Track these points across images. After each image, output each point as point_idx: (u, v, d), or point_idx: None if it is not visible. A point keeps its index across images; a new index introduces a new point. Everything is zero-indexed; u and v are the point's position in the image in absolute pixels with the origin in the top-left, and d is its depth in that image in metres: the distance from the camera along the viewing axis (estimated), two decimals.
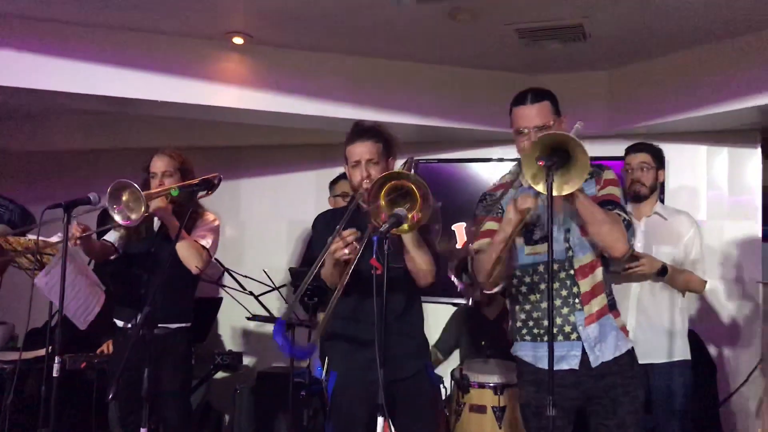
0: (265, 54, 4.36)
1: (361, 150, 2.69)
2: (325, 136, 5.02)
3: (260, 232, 5.49)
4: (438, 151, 5.14)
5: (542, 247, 2.52)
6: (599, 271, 2.55)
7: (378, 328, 2.19)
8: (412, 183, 2.26)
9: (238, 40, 4.21)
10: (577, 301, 2.52)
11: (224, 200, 5.26)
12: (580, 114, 3.04)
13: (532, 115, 2.49)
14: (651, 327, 3.49)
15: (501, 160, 4.87)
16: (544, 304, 2.50)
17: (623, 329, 2.59)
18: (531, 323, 2.61)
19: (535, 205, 2.35)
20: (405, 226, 2.27)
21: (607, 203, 2.51)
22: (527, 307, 2.61)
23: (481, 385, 3.51)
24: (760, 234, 4.52)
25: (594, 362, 2.49)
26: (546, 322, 2.44)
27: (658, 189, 3.68)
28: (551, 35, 3.96)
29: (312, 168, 5.37)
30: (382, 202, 2.31)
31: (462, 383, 3.55)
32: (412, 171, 2.65)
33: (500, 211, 2.60)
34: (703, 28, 3.85)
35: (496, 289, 2.64)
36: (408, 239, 2.51)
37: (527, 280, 2.59)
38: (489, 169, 4.90)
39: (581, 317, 2.51)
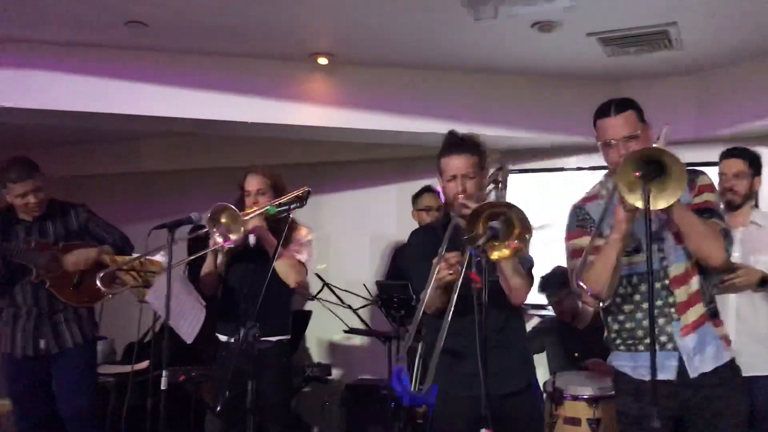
0: (347, 72, 4.47)
1: (458, 164, 2.66)
2: (406, 150, 5.10)
3: (343, 246, 5.59)
4: (520, 161, 5.13)
5: (636, 258, 2.48)
6: (695, 280, 2.49)
7: (480, 340, 2.21)
8: (513, 214, 2.27)
9: (322, 61, 4.32)
10: (672, 311, 2.47)
11: (308, 216, 5.41)
12: (668, 119, 3.01)
13: (618, 125, 2.45)
14: (752, 338, 3.37)
15: (579, 169, 4.83)
16: (639, 315, 2.49)
17: (725, 339, 2.52)
18: (625, 334, 2.58)
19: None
20: (506, 251, 2.28)
21: (703, 211, 2.46)
22: (621, 317, 2.58)
23: (575, 398, 3.47)
24: None
25: (693, 373, 2.44)
26: (641, 333, 2.47)
27: (754, 197, 3.56)
28: (635, 42, 3.91)
29: (393, 182, 5.44)
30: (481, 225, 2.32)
31: (555, 395, 3.52)
32: (506, 178, 2.69)
33: (592, 225, 2.56)
34: None
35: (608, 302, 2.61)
36: (504, 262, 2.50)
37: (621, 291, 2.55)
38: (566, 178, 4.86)
39: (677, 327, 2.46)
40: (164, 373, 2.80)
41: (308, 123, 4.43)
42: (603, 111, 2.49)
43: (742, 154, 3.52)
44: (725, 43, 3.99)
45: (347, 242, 5.60)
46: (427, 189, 4.52)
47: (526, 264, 2.63)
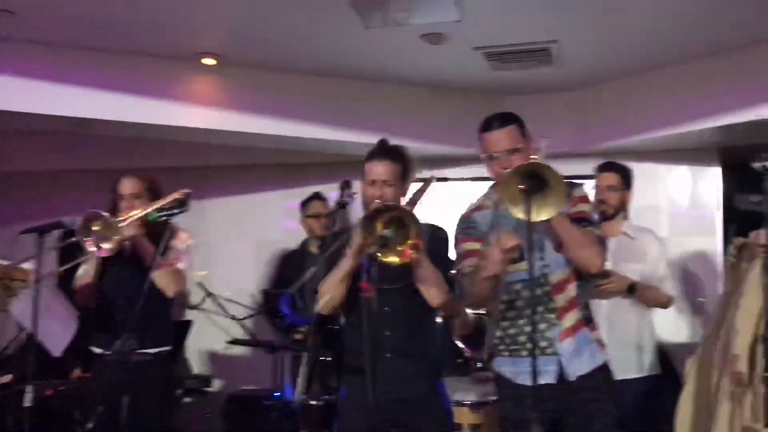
0: (234, 74, 4.35)
1: (380, 170, 2.71)
2: (294, 156, 5.02)
3: (227, 253, 5.42)
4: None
5: (519, 266, 2.56)
6: (572, 287, 2.60)
7: (367, 352, 2.21)
8: (410, 222, 2.32)
9: (208, 61, 4.19)
10: (552, 316, 2.57)
11: (190, 221, 5.22)
12: (549, 134, 3.14)
13: (501, 139, 2.54)
14: (621, 343, 3.55)
15: (476, 179, 4.92)
16: (521, 321, 2.57)
17: (599, 342, 2.63)
18: (508, 340, 2.65)
19: (518, 243, 2.39)
20: (397, 258, 2.30)
21: (579, 221, 2.57)
22: (504, 323, 2.65)
23: (458, 403, 3.52)
24: (719, 249, 4.66)
25: (571, 375, 2.53)
26: (523, 338, 2.55)
27: (625, 209, 3.76)
28: (518, 58, 4.04)
29: (280, 188, 5.33)
30: (378, 227, 2.34)
31: None
32: (423, 192, 2.75)
33: (478, 233, 2.64)
34: (665, 52, 3.99)
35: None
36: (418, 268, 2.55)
37: (504, 297, 2.63)
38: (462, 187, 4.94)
39: (557, 332, 2.56)
40: (28, 388, 2.60)
41: (192, 125, 4.27)
42: (487, 125, 2.57)
43: (615, 168, 3.72)
44: (602, 62, 4.20)
45: (231, 249, 5.44)
46: (317, 196, 4.47)
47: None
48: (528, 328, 2.56)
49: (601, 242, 2.59)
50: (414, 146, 4.70)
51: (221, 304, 4.28)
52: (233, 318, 4.26)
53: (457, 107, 4.79)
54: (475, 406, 3.47)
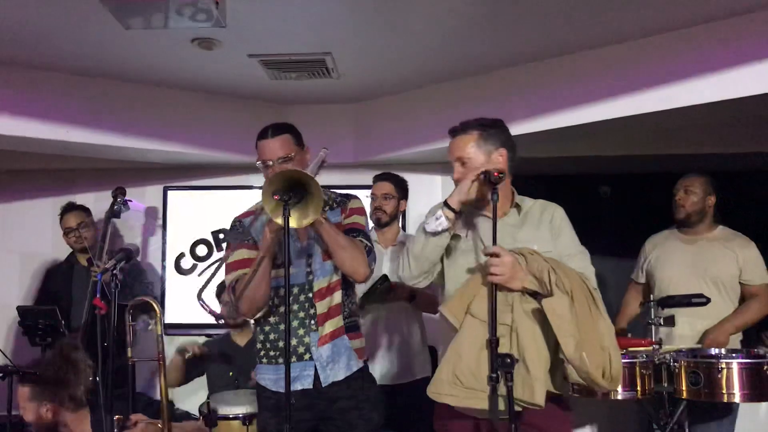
0: None
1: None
2: (65, 161, 4.68)
3: None
4: (191, 177, 5.02)
5: (281, 271, 2.55)
6: (338, 294, 2.67)
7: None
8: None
9: None
10: (312, 322, 2.62)
11: None
12: (330, 144, 3.18)
13: (274, 148, 2.60)
14: (393, 349, 3.68)
15: (240, 187, 4.90)
16: (282, 326, 2.57)
17: (359, 351, 2.70)
18: (269, 345, 2.68)
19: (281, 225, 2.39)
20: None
21: (351, 231, 2.66)
22: (267, 328, 2.69)
23: (227, 417, 3.44)
24: None
25: (324, 381, 2.60)
26: (281, 344, 2.56)
27: (399, 217, 3.92)
28: (295, 68, 4.05)
29: (48, 195, 4.95)
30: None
31: (210, 417, 3.45)
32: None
33: (250, 239, 2.65)
34: (437, 68, 4.20)
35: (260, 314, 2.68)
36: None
37: (269, 302, 2.65)
38: (250, 196, 4.87)
39: (315, 338, 2.62)
40: None
41: None
42: (262, 133, 2.65)
43: (390, 178, 3.88)
44: (378, 76, 4.32)
45: None
46: (68, 208, 4.25)
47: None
48: (274, 336, 2.64)
49: (370, 252, 2.66)
50: (192, 153, 4.61)
51: None
52: None
53: (238, 115, 4.73)
54: (246, 419, 3.41)
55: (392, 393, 3.51)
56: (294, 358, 2.60)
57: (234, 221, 2.76)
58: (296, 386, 2.58)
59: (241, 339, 4.09)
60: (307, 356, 2.61)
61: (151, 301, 2.82)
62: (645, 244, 3.87)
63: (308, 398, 2.60)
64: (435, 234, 2.31)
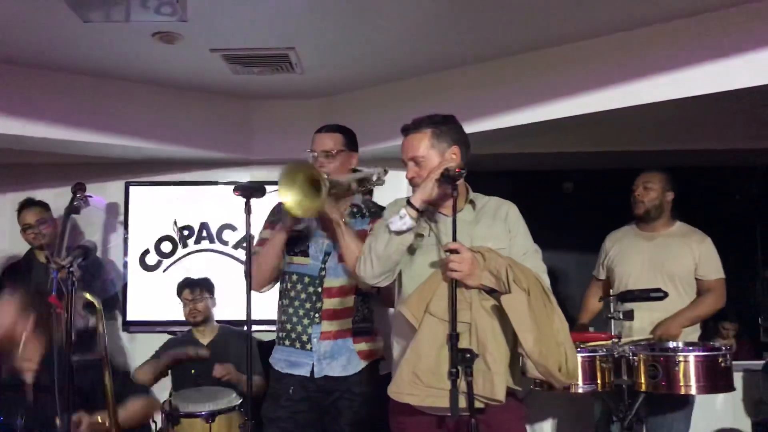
0: None
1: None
2: (23, 156, 4.59)
3: None
4: (154, 173, 4.96)
5: (297, 259, 2.81)
6: (351, 298, 2.78)
7: None
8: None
9: None
10: (317, 315, 2.74)
11: None
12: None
13: (322, 141, 2.92)
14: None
15: (218, 183, 4.85)
16: (290, 310, 2.80)
17: (363, 354, 2.78)
18: (279, 326, 2.85)
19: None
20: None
21: None
22: (280, 310, 2.85)
23: (190, 415, 3.42)
24: None
25: (318, 373, 2.71)
26: (288, 326, 2.78)
27: None
28: (258, 62, 4.02)
29: (6, 191, 4.85)
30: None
31: (172, 415, 3.43)
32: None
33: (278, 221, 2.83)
34: (401, 64, 4.19)
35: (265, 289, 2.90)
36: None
37: (282, 285, 2.86)
38: (207, 192, 4.84)
39: (317, 330, 2.73)
40: None
41: None
42: (320, 127, 2.98)
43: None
44: (342, 72, 4.30)
45: None
46: (25, 204, 4.19)
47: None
48: (295, 319, 2.79)
49: None
50: (155, 148, 4.55)
51: None
52: None
53: (202, 110, 4.68)
54: (209, 417, 3.40)
55: None
56: (298, 345, 2.76)
57: (277, 205, 2.89)
58: (296, 371, 2.74)
59: (203, 337, 4.06)
60: (308, 346, 2.73)
61: (92, 299, 2.79)
62: (605, 240, 3.93)
63: (305, 390, 2.73)
64: (399, 233, 2.30)
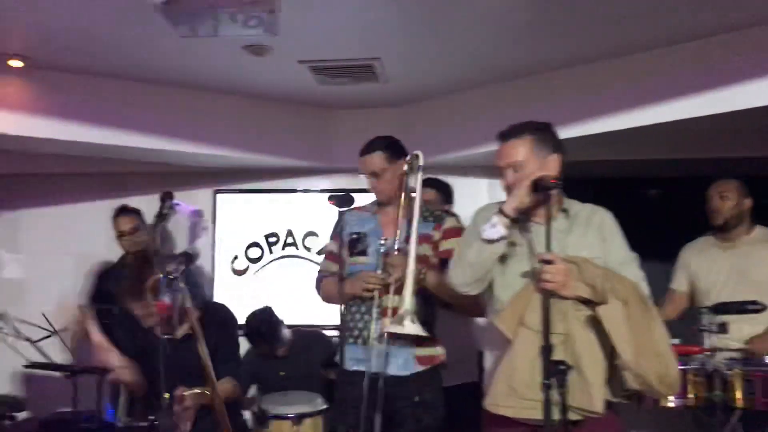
0: (44, 78, 4.08)
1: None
2: (117, 164, 4.81)
3: (44, 268, 5.08)
4: (240, 181, 5.11)
5: (358, 259, 2.89)
6: (410, 300, 2.71)
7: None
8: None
9: (15, 63, 3.90)
10: (377, 312, 2.77)
11: (1, 234, 4.87)
12: None
13: (365, 164, 3.00)
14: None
15: (303, 191, 4.96)
16: (354, 308, 2.88)
17: (424, 358, 2.82)
18: (342, 324, 2.91)
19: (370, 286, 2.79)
20: None
21: (446, 262, 2.73)
22: (350, 308, 2.91)
23: (279, 417, 3.51)
24: None
25: (376, 369, 2.73)
26: (351, 324, 2.85)
27: None
28: (344, 73, 4.10)
29: (103, 198, 5.07)
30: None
31: (261, 417, 3.53)
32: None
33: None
34: (482, 72, 4.20)
35: None
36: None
37: None
38: (291, 199, 4.95)
39: (377, 328, 2.76)
40: None
41: None
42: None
43: (434, 183, 3.86)
44: (424, 79, 4.34)
45: (49, 262, 5.11)
46: (120, 212, 4.33)
47: None
48: (358, 316, 2.85)
49: None
50: (241, 157, 4.69)
51: (14, 325, 4.07)
52: (27, 340, 4.06)
53: (286, 119, 4.80)
54: (297, 419, 3.48)
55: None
56: (360, 342, 2.82)
57: (340, 214, 3.02)
58: (360, 367, 2.78)
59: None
60: (371, 342, 2.77)
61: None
62: (682, 252, 3.80)
63: (370, 390, 2.72)
64: (491, 242, 2.28)
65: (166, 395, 2.57)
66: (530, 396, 2.15)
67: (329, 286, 2.98)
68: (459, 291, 2.42)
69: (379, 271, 2.78)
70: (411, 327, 2.58)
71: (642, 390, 2.18)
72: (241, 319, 4.72)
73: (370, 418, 2.69)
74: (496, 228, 2.26)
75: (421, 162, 2.88)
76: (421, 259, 2.84)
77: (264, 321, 4.01)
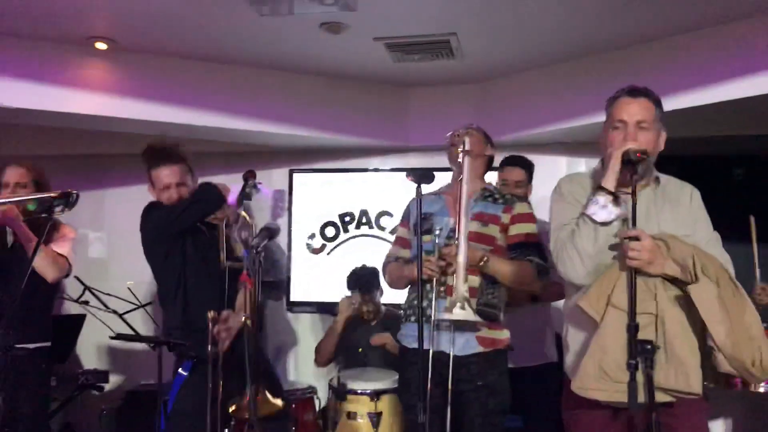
0: (129, 60, 4.20)
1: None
2: (198, 144, 4.90)
3: (128, 245, 5.24)
4: (315, 160, 5.15)
5: (426, 237, 2.86)
6: (475, 279, 2.76)
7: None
8: None
9: (101, 45, 4.03)
10: (441, 290, 2.76)
11: (87, 212, 5.04)
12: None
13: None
14: (519, 332, 3.63)
15: (377, 170, 4.97)
16: (426, 288, 2.82)
17: (485, 339, 2.78)
18: (406, 303, 2.99)
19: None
20: None
21: (525, 247, 2.80)
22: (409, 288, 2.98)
23: (356, 392, 3.54)
24: None
25: (436, 347, 2.73)
26: (416, 301, 2.76)
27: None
28: (419, 50, 4.05)
29: None
30: None
31: (339, 391, 3.58)
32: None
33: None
34: (560, 47, 4.09)
35: None
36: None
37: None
38: (366, 178, 4.97)
39: (441, 305, 2.73)
40: None
41: (84, 111, 4.09)
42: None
43: (521, 162, 3.77)
44: (502, 55, 4.26)
45: (132, 241, 5.27)
46: None
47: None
48: (415, 295, 2.81)
49: (542, 272, 2.80)
50: (314, 137, 4.72)
51: (100, 299, 4.22)
52: (114, 312, 4.20)
53: (360, 98, 4.79)
54: (374, 395, 3.50)
55: (518, 375, 3.48)
56: (414, 319, 2.82)
57: (411, 201, 3.04)
58: (415, 345, 2.73)
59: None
60: (433, 320, 2.74)
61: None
62: None
63: (433, 370, 2.69)
64: (605, 224, 2.18)
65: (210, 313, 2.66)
66: (623, 378, 2.05)
67: (393, 270, 3.02)
68: (578, 284, 2.28)
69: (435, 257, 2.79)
70: (461, 313, 2.58)
71: (736, 374, 2.09)
72: (315, 296, 4.87)
73: (435, 397, 2.69)
74: (608, 208, 2.17)
75: (467, 146, 2.84)
76: (486, 239, 2.83)
77: (368, 272, 4.14)
